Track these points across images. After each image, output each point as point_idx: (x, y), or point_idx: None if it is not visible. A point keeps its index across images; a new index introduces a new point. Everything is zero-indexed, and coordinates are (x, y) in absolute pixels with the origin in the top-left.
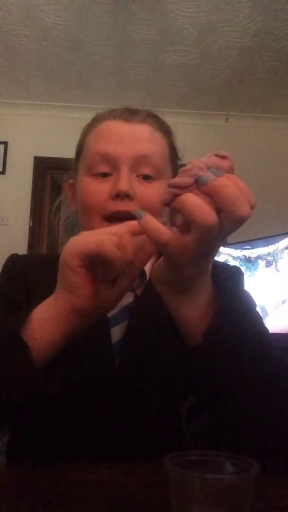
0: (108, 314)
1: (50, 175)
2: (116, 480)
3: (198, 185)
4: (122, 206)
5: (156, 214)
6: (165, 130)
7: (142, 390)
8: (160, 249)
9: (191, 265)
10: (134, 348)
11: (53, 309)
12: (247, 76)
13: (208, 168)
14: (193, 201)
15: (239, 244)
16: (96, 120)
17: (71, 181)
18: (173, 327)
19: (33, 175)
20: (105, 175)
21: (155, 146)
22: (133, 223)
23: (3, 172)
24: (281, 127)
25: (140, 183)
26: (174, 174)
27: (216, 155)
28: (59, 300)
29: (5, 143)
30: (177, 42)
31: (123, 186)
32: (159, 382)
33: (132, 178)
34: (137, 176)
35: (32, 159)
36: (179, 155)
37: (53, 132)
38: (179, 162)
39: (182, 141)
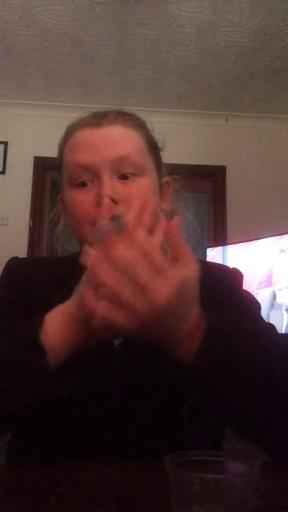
0: None
1: (50, 175)
2: (116, 480)
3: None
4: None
5: (143, 208)
6: (138, 125)
7: (143, 392)
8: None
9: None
10: (135, 350)
11: (65, 316)
12: (247, 76)
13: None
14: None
15: (239, 244)
16: (68, 133)
17: (60, 195)
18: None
19: (33, 175)
20: (87, 184)
21: (130, 145)
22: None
23: (3, 172)
24: (281, 127)
25: (123, 184)
26: (157, 166)
27: None
28: (71, 307)
29: (5, 143)
30: (177, 42)
31: (106, 191)
32: (160, 384)
33: (114, 182)
34: (119, 178)
35: (32, 159)
36: (160, 145)
37: (53, 132)
38: (161, 152)
39: (182, 141)
